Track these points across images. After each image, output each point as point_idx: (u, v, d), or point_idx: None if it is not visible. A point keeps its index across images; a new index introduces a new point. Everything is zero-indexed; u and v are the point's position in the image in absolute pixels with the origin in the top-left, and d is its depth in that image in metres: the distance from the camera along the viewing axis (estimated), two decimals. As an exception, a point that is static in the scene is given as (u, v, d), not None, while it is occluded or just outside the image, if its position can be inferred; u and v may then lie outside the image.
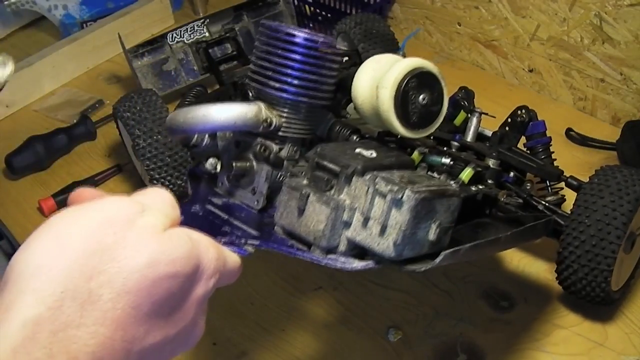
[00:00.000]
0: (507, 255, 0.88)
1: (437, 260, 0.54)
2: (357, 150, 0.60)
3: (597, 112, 1.12)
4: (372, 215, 0.54)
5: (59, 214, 0.35)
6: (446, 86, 0.64)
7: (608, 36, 1.03)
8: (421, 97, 0.62)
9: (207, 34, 1.18)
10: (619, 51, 1.03)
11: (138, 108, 0.92)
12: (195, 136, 0.64)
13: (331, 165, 0.57)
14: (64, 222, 0.34)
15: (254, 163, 0.64)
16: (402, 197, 0.52)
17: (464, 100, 0.84)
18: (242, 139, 0.65)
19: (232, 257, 0.41)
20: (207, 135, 0.65)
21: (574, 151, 1.05)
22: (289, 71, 0.62)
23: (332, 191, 0.57)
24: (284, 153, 0.65)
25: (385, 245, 0.53)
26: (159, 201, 0.38)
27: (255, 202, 0.63)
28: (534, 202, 0.75)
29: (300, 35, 0.62)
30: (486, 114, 0.79)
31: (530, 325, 0.79)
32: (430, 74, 0.63)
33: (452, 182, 0.64)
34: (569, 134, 1.07)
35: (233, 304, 0.83)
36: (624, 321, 0.79)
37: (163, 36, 1.16)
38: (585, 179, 0.76)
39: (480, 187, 0.71)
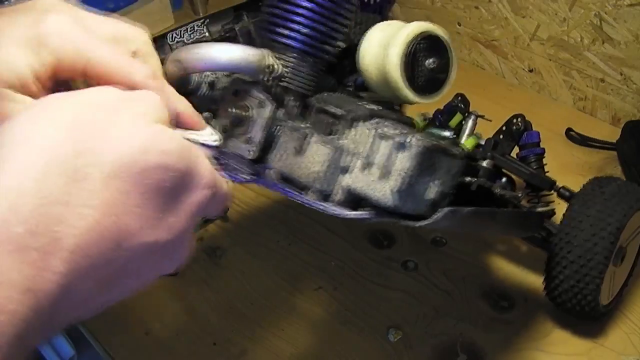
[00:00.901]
0: (507, 255, 0.88)
1: (436, 215, 0.52)
2: (360, 103, 0.58)
3: (597, 112, 1.12)
4: (374, 160, 0.52)
5: (49, 95, 0.33)
6: (455, 58, 0.63)
7: (608, 36, 1.03)
8: (429, 61, 0.61)
9: (207, 34, 1.17)
10: (619, 51, 1.03)
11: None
12: (194, 81, 0.62)
13: (334, 110, 0.56)
14: (53, 99, 0.33)
15: (252, 111, 0.61)
16: (408, 140, 0.50)
17: (461, 104, 0.85)
18: (241, 87, 0.62)
19: (224, 183, 0.39)
20: (205, 84, 0.63)
21: (574, 151, 1.05)
22: (300, 19, 0.61)
23: (334, 135, 0.55)
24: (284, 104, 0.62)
25: (385, 192, 0.51)
26: (148, 100, 0.36)
27: (249, 152, 0.59)
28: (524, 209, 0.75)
29: None
30: (482, 116, 0.79)
31: (530, 325, 0.79)
32: (440, 40, 0.62)
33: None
34: (569, 134, 1.07)
35: (233, 304, 0.83)
36: (623, 321, 0.79)
37: (163, 36, 1.16)
38: (585, 179, 0.76)
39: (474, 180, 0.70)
